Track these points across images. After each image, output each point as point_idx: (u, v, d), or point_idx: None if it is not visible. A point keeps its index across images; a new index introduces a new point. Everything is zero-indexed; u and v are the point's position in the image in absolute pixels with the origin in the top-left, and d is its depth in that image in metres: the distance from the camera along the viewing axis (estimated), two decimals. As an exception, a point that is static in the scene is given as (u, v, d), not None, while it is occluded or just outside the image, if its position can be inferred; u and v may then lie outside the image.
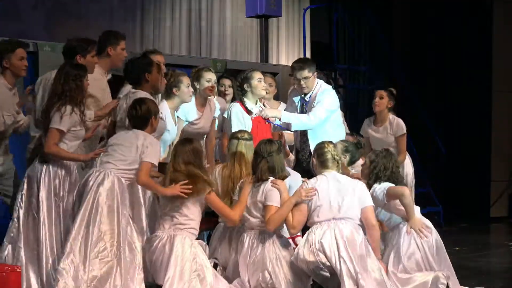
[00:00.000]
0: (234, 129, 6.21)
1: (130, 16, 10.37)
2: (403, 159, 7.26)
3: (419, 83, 11.68)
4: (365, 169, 5.87)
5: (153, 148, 5.34)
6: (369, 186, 5.67)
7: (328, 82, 7.06)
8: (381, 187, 5.64)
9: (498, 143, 11.33)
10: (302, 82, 6.46)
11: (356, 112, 10.90)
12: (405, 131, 7.39)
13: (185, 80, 6.19)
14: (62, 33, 9.39)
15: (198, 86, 6.49)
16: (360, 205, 5.38)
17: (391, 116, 7.47)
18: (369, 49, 12.37)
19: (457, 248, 7.87)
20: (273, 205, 5.42)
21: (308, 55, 11.37)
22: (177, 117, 6.34)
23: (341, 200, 5.35)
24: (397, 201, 5.63)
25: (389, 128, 7.42)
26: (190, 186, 5.23)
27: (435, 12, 12.06)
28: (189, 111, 6.37)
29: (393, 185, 5.65)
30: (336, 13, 11.19)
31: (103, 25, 9.66)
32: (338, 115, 6.66)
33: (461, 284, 5.88)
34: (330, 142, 5.65)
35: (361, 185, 5.51)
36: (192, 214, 5.33)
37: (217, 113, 6.67)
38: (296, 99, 6.66)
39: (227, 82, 7.21)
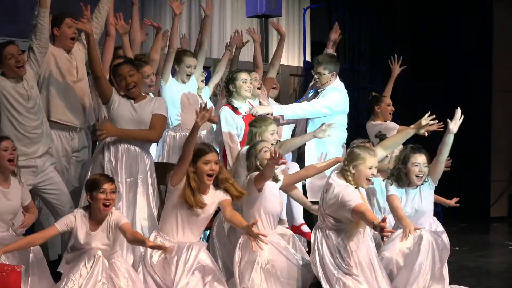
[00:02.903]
0: (225, 133, 6.25)
1: (130, 16, 10.36)
2: None
3: (419, 83, 11.68)
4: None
5: None
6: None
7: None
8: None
9: (498, 143, 11.33)
10: (316, 76, 6.62)
11: (356, 112, 10.89)
12: None
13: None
14: (62, 33, 9.37)
15: (177, 69, 6.74)
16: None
17: None
18: (369, 49, 12.37)
19: (457, 248, 7.87)
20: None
21: (308, 55, 11.38)
22: None
23: None
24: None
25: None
26: None
27: (435, 12, 12.06)
28: None
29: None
30: (336, 13, 11.19)
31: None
32: (343, 118, 6.67)
33: (461, 284, 5.89)
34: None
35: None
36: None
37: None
38: (312, 91, 6.79)
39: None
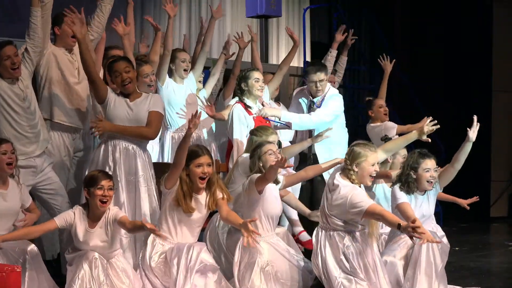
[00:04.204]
0: (236, 130, 6.24)
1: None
2: None
3: (419, 83, 11.68)
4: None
5: None
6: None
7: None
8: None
9: (498, 143, 11.31)
10: (318, 85, 6.58)
11: (356, 113, 10.89)
12: None
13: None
14: (62, 33, 9.36)
15: (174, 67, 6.75)
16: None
17: None
18: (369, 49, 12.36)
19: (457, 248, 7.87)
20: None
21: (308, 55, 11.38)
22: None
23: None
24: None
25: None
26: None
27: (435, 12, 12.06)
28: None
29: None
30: (336, 13, 11.19)
31: (103, 25, 9.64)
32: (343, 118, 6.71)
33: (461, 284, 5.89)
34: None
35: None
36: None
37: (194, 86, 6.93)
38: (302, 101, 6.73)
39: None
